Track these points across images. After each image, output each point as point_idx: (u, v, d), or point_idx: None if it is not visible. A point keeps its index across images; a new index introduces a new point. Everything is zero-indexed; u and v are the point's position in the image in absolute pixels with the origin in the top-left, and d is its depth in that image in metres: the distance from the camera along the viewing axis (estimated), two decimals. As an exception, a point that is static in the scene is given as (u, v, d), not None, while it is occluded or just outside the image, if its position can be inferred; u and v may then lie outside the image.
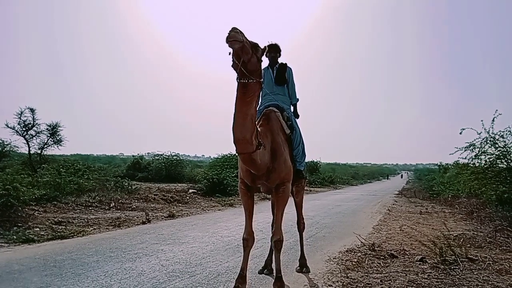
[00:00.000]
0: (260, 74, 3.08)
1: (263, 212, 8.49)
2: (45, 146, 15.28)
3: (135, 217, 8.63)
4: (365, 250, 5.62)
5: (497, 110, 8.67)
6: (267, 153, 3.44)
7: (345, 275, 4.36)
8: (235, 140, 3.05)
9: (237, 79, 2.96)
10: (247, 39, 2.84)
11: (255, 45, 2.95)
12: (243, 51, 2.81)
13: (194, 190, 14.80)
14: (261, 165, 3.34)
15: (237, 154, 3.34)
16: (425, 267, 4.74)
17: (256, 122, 3.69)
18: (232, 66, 2.92)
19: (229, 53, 2.84)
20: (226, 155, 20.90)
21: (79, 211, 9.02)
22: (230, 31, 2.69)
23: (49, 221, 7.33)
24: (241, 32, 2.73)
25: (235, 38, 2.68)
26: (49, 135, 15.22)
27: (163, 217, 9.10)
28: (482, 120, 8.79)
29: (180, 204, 11.88)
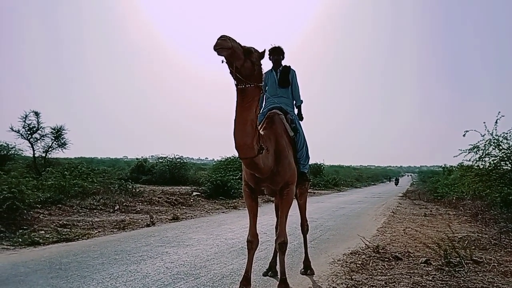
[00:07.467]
0: (258, 78, 3.05)
1: (267, 214, 8.49)
2: (50, 149, 15.39)
3: (140, 220, 8.66)
4: (369, 252, 5.62)
5: (499, 112, 8.68)
6: (270, 156, 3.44)
7: (350, 277, 4.36)
8: (236, 145, 3.06)
9: (235, 85, 2.98)
10: (239, 44, 2.82)
11: (247, 50, 2.91)
12: (234, 57, 2.79)
13: (198, 193, 14.81)
14: (265, 168, 3.35)
15: (239, 159, 3.35)
16: (430, 269, 4.73)
17: (260, 125, 3.70)
18: (230, 73, 2.92)
19: (222, 61, 2.83)
20: (230, 157, 20.91)
21: (83, 214, 9.07)
22: (217, 39, 2.68)
23: (54, 224, 7.38)
24: (230, 39, 2.71)
25: (221, 46, 2.68)
26: (53, 138, 15.32)
27: (167, 219, 9.13)
28: (484, 122, 8.80)
29: (184, 207, 11.92)
